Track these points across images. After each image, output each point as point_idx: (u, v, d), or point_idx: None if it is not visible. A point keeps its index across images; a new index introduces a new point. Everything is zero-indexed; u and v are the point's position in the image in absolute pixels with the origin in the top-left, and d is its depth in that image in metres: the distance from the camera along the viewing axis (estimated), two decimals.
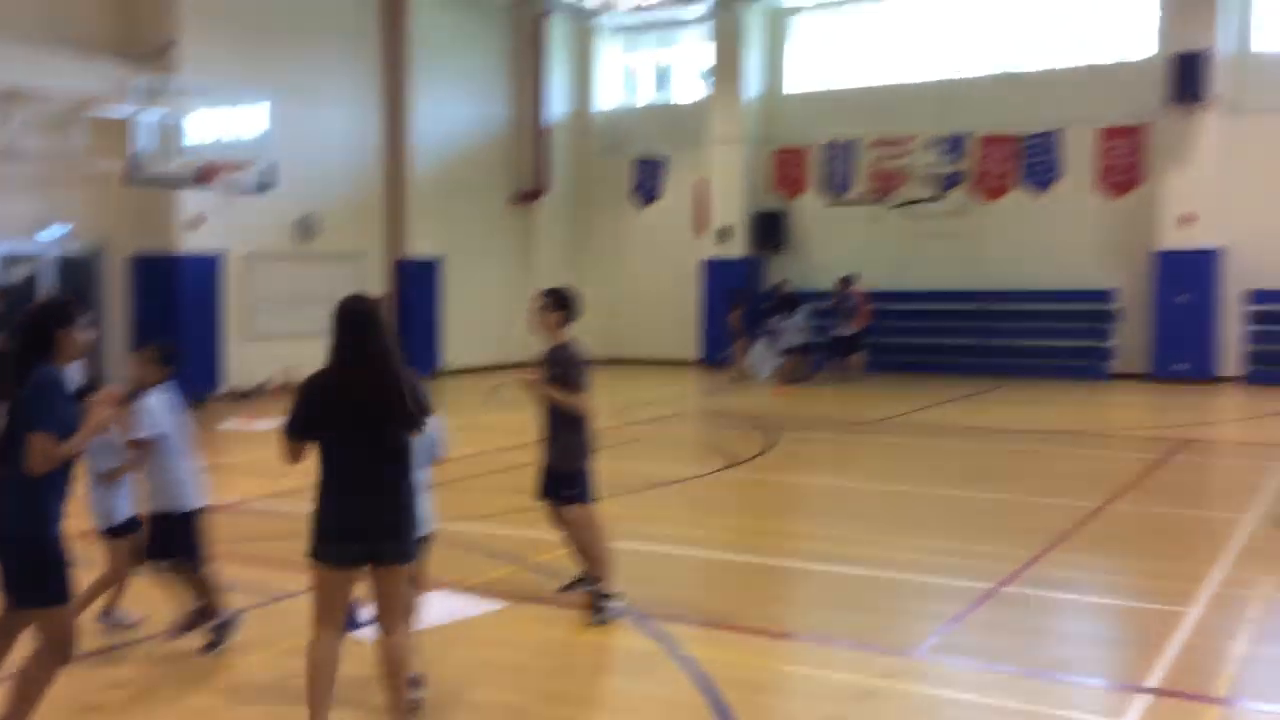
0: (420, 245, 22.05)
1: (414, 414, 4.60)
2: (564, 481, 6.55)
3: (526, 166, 24.82)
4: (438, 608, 6.48)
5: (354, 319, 4.56)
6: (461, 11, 23.27)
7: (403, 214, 22.01)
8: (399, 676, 4.65)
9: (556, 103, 25.21)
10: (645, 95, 26.38)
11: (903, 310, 22.64)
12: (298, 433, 4.55)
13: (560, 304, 6.57)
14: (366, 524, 4.56)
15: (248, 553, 7.74)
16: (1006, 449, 13.29)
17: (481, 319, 22.94)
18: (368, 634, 5.05)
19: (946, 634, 6.31)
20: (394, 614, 4.66)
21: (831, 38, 23.80)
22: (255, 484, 10.51)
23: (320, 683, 4.56)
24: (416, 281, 21.89)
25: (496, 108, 24.45)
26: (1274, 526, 8.77)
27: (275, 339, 18.75)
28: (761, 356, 20.76)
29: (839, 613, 6.86)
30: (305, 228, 20.00)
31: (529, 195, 24.79)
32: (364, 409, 4.52)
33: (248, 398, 17.98)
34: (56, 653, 4.46)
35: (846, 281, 20.63)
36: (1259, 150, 19.84)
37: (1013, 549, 8.11)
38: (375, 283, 21.81)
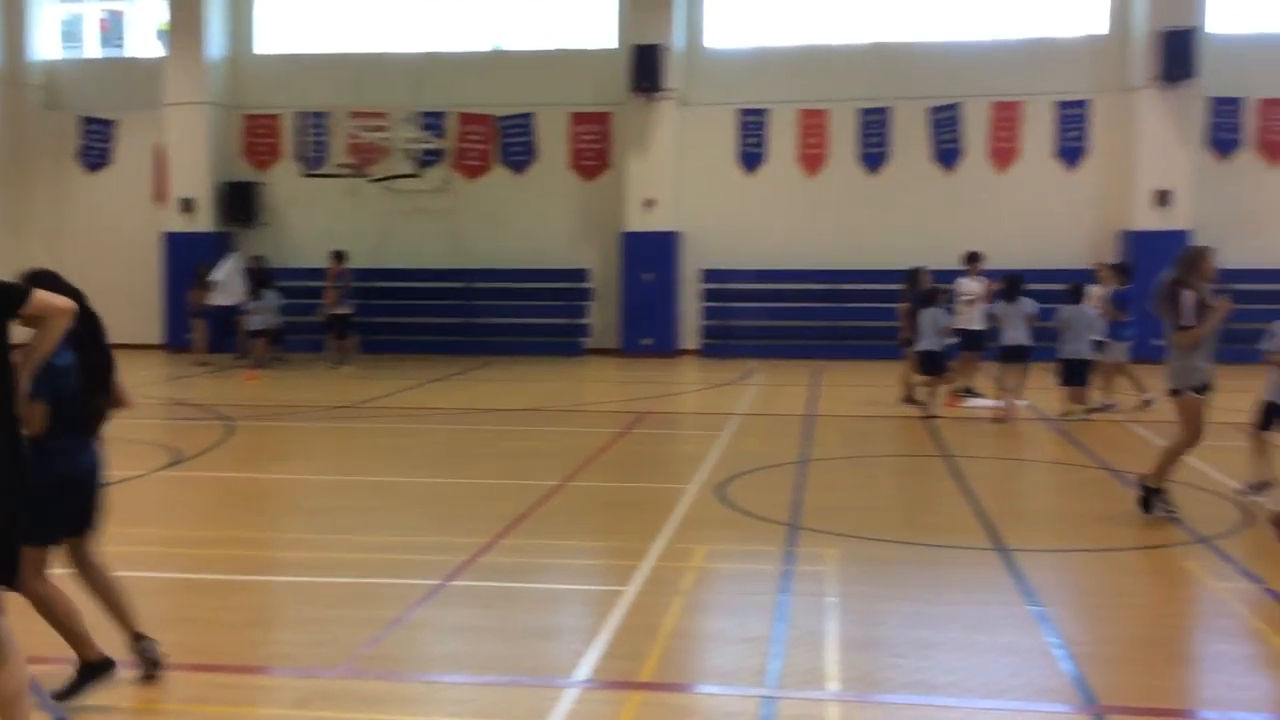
0: None
1: None
2: None
3: None
4: None
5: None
6: None
7: None
8: None
9: None
10: (94, 47, 23.48)
11: (387, 289, 22.07)
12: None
13: None
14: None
15: None
16: (481, 430, 13.13)
17: None
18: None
19: (378, 644, 5.75)
20: None
21: None
22: None
23: None
24: None
25: None
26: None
27: None
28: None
29: (262, 632, 6.08)
30: None
31: None
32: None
33: None
34: None
35: (339, 257, 19.58)
36: (708, 140, 21.52)
37: (467, 538, 7.76)
38: None
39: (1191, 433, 8.16)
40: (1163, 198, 19.60)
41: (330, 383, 17.52)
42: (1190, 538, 7.88)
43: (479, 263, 22.06)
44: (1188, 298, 7.88)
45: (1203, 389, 8.12)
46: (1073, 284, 13.76)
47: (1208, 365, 8.15)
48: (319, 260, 20.16)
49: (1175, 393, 8.17)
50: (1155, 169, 19.75)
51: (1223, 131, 20.29)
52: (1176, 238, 19.44)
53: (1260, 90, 20.06)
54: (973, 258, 15.15)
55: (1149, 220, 19.70)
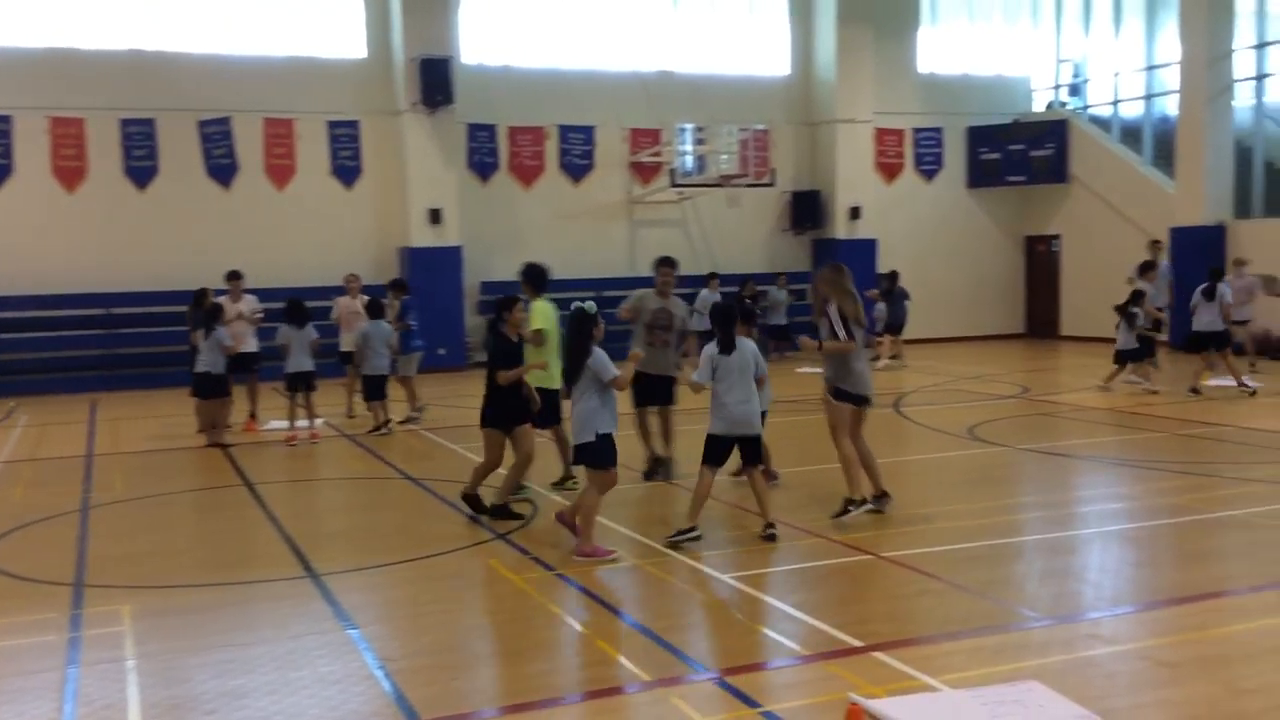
0: None
1: None
2: None
3: None
4: None
5: None
6: None
7: None
8: None
9: None
10: None
11: None
12: None
13: None
14: None
15: None
16: None
17: None
18: None
19: None
20: None
21: None
22: None
23: None
24: None
25: None
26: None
27: None
28: None
29: None
30: None
31: None
32: None
33: None
34: None
35: None
36: None
37: None
38: None
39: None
40: (435, 216, 20.80)
41: None
42: (490, 535, 8.33)
43: None
44: (833, 311, 8.25)
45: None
46: (370, 299, 13.97)
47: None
48: None
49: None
50: (426, 189, 20.87)
51: (481, 155, 22.07)
52: (450, 253, 20.84)
53: (510, 119, 22.15)
54: (233, 276, 14.56)
55: (425, 237, 20.78)
